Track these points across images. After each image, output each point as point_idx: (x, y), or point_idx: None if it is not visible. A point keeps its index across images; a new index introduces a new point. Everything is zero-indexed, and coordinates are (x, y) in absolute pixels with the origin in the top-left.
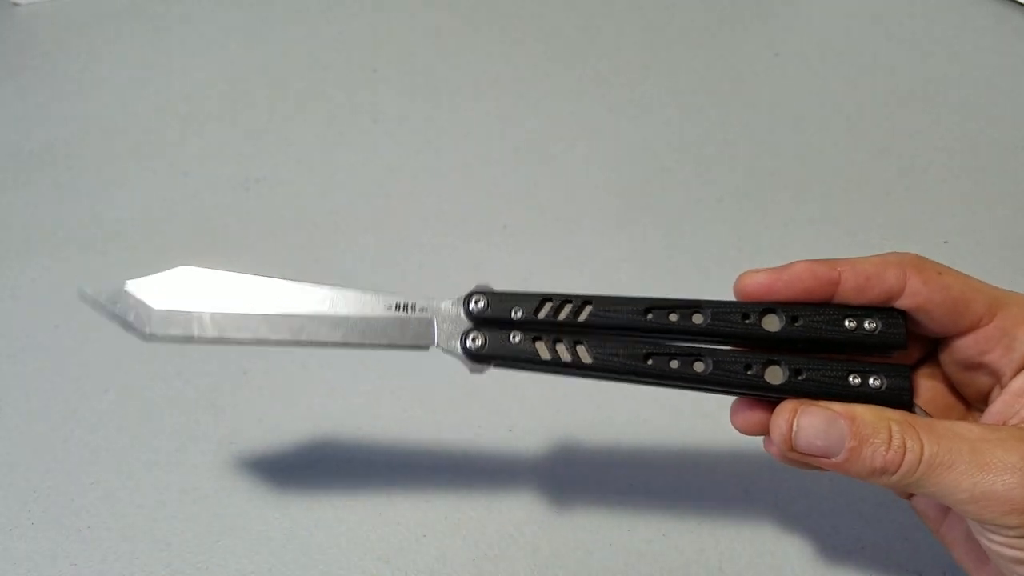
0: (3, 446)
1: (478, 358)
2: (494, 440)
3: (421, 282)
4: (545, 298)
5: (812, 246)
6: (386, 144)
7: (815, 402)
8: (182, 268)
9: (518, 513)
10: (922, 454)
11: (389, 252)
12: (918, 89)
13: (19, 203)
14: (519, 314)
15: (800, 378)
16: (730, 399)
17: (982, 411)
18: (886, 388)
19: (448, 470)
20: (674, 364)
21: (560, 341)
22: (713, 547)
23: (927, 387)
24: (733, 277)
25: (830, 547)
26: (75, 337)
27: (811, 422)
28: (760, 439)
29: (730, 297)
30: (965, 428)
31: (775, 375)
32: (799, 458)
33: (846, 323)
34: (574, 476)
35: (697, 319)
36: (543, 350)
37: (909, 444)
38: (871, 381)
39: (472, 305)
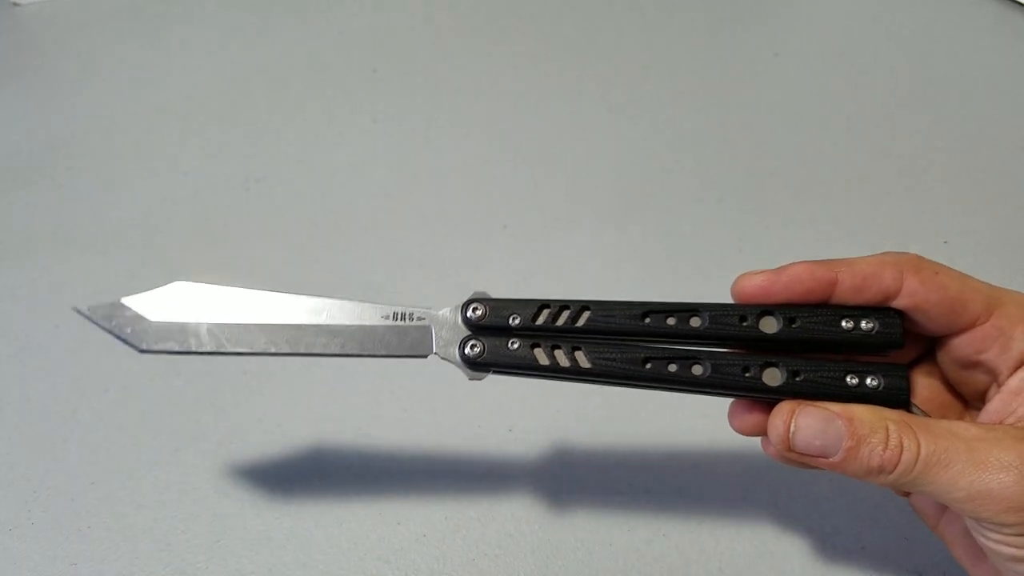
0: (3, 446)
1: (476, 365)
2: (494, 440)
3: (421, 282)
4: (543, 304)
5: (812, 246)
6: (386, 144)
7: (812, 402)
8: (177, 283)
9: (518, 513)
10: (919, 453)
11: (389, 252)
12: (918, 89)
13: (19, 203)
14: (517, 321)
15: (798, 379)
16: (729, 400)
17: (980, 410)
18: (883, 388)
19: (448, 470)
20: (672, 367)
21: (558, 347)
22: (713, 547)
23: (924, 386)
24: (733, 278)
25: (830, 547)
26: (75, 337)
27: (808, 422)
28: (759, 439)
29: (729, 299)
30: (962, 427)
31: (773, 377)
32: (797, 458)
33: (843, 323)
34: (574, 476)
35: (695, 322)
36: (541, 356)
37: (906, 443)
38: (868, 381)
39: (470, 313)
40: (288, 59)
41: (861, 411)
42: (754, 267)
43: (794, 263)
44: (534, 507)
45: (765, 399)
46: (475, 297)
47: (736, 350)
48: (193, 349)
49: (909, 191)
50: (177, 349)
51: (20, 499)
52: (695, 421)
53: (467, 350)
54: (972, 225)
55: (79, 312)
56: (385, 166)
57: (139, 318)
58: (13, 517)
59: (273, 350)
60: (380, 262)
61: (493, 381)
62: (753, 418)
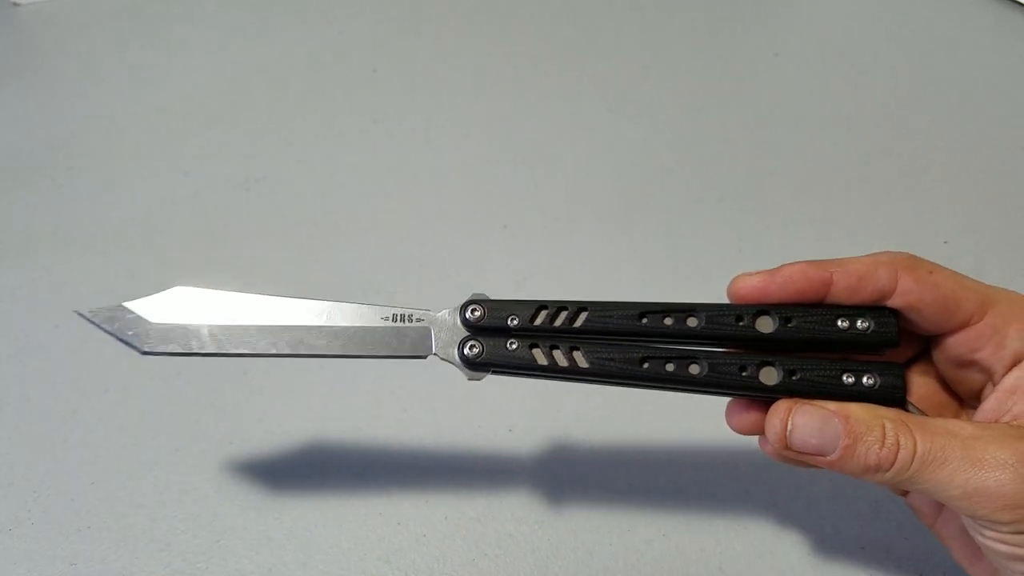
0: (3, 446)
1: (475, 366)
2: (494, 440)
3: (421, 282)
4: (541, 305)
5: (812, 246)
6: (386, 144)
7: (809, 401)
8: (178, 288)
9: (518, 513)
10: (915, 451)
11: (389, 252)
12: (918, 89)
13: (19, 203)
14: (515, 322)
15: (794, 378)
16: (727, 399)
17: (975, 408)
18: (879, 386)
19: (448, 470)
20: (670, 367)
21: (557, 347)
22: (713, 547)
23: (920, 384)
24: (732, 278)
25: (830, 547)
26: (75, 337)
27: (805, 421)
28: (757, 438)
29: (726, 299)
30: (957, 425)
31: (769, 376)
32: (794, 456)
33: (839, 323)
34: (574, 476)
35: (691, 322)
36: (540, 356)
37: (902, 441)
38: (864, 380)
39: (468, 314)
40: (288, 59)
41: (857, 409)
42: (754, 267)
43: (789, 264)
44: (534, 507)
45: (762, 398)
46: (474, 298)
47: (733, 349)
48: (195, 351)
49: (909, 191)
50: (179, 351)
51: (20, 499)
52: (695, 421)
53: (466, 351)
54: (972, 225)
55: (81, 315)
56: (385, 166)
57: (141, 320)
58: (13, 517)
59: (274, 351)
60: (380, 262)
61: (492, 381)
62: (750, 417)
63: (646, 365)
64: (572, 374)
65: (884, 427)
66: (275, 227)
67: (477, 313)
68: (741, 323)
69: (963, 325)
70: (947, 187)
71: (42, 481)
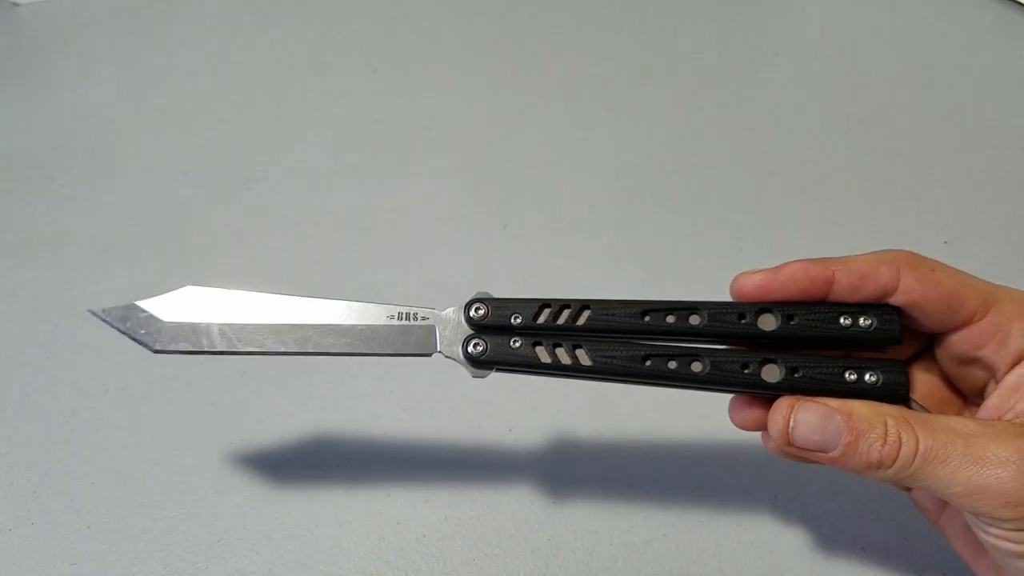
0: (3, 446)
1: (480, 363)
2: (494, 440)
3: (421, 282)
4: (544, 304)
5: (812, 246)
6: (386, 144)
7: (812, 398)
8: (188, 288)
9: (518, 513)
10: (917, 448)
11: (389, 252)
12: (918, 89)
13: (19, 203)
14: (519, 320)
15: (797, 375)
16: (729, 399)
17: (978, 406)
18: (882, 384)
19: (448, 470)
20: (672, 365)
21: (560, 345)
22: (713, 547)
23: (923, 381)
24: (733, 277)
25: (829, 547)
26: (75, 337)
27: (808, 418)
28: (759, 437)
29: (728, 298)
30: (960, 423)
31: (772, 373)
32: (796, 453)
33: (841, 321)
34: (573, 476)
35: (694, 320)
36: (543, 354)
37: (904, 438)
38: (867, 377)
39: (472, 312)
40: (288, 59)
41: (860, 406)
42: (753, 267)
43: (791, 262)
44: (534, 507)
45: (764, 395)
46: (477, 297)
47: (735, 347)
48: (205, 349)
49: (909, 191)
50: (190, 349)
51: (20, 499)
52: (695, 421)
53: (470, 349)
54: (972, 225)
55: (94, 314)
56: (385, 166)
57: (152, 319)
58: (13, 517)
59: (282, 349)
60: (380, 262)
61: (493, 381)
62: (753, 414)
63: (649, 363)
64: (575, 372)
65: (886, 424)
66: (275, 227)
67: (481, 311)
68: (743, 321)
69: (966, 323)
70: (947, 187)
71: (42, 481)
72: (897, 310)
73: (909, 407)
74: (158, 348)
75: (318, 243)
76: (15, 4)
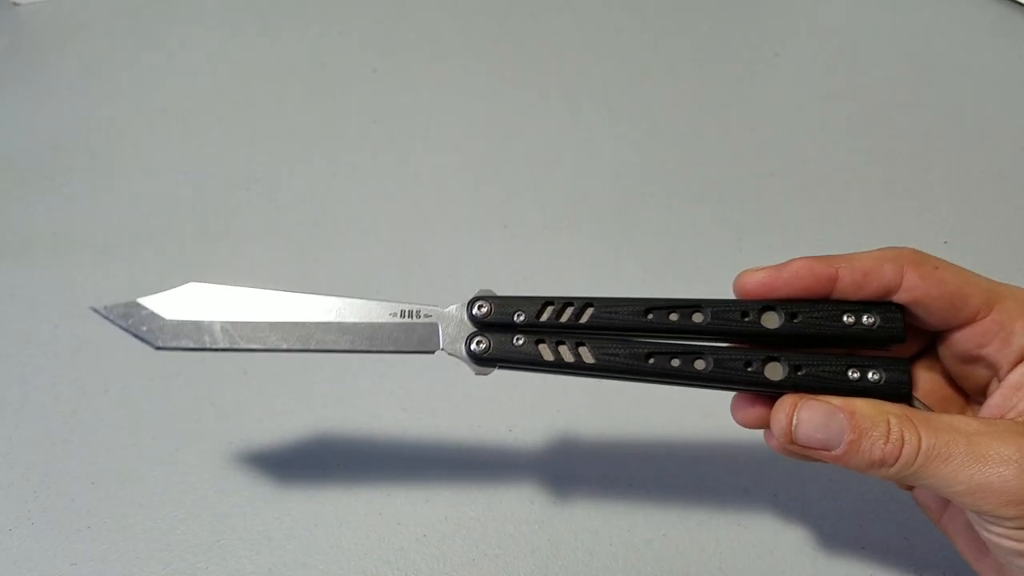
0: (3, 446)
1: (483, 361)
2: (494, 440)
3: (421, 282)
4: (547, 301)
5: (812, 246)
6: (386, 144)
7: (815, 396)
8: (191, 284)
9: (518, 513)
10: (920, 446)
11: (389, 252)
12: (918, 89)
13: (19, 203)
14: (522, 318)
15: (800, 374)
16: (730, 398)
17: (981, 404)
18: (885, 382)
19: (448, 470)
20: (675, 362)
21: (563, 343)
22: (713, 547)
23: (926, 380)
24: (733, 277)
25: (830, 547)
26: (75, 337)
27: (811, 416)
28: (760, 437)
29: (729, 296)
30: (962, 421)
31: (775, 371)
32: (799, 451)
33: (844, 318)
34: (573, 476)
35: (697, 318)
36: (546, 352)
37: (907, 437)
38: (870, 375)
39: (476, 310)
40: (288, 59)
41: (863, 405)
42: (754, 267)
43: (795, 259)
44: (534, 507)
45: (767, 393)
46: (480, 295)
47: (738, 345)
48: (208, 346)
49: (909, 191)
50: (192, 346)
51: (20, 499)
52: (695, 420)
53: (473, 346)
54: (972, 225)
55: (96, 311)
56: (385, 166)
57: (154, 316)
58: (13, 517)
59: (285, 346)
60: (379, 263)
61: (493, 381)
62: (756, 411)
63: (652, 360)
64: (578, 369)
65: (889, 422)
66: (275, 227)
67: (484, 309)
68: (747, 319)
69: (969, 321)
70: (947, 187)
71: (42, 481)
72: (900, 308)
73: (912, 405)
74: (160, 345)
75: (317, 243)
76: (15, 4)
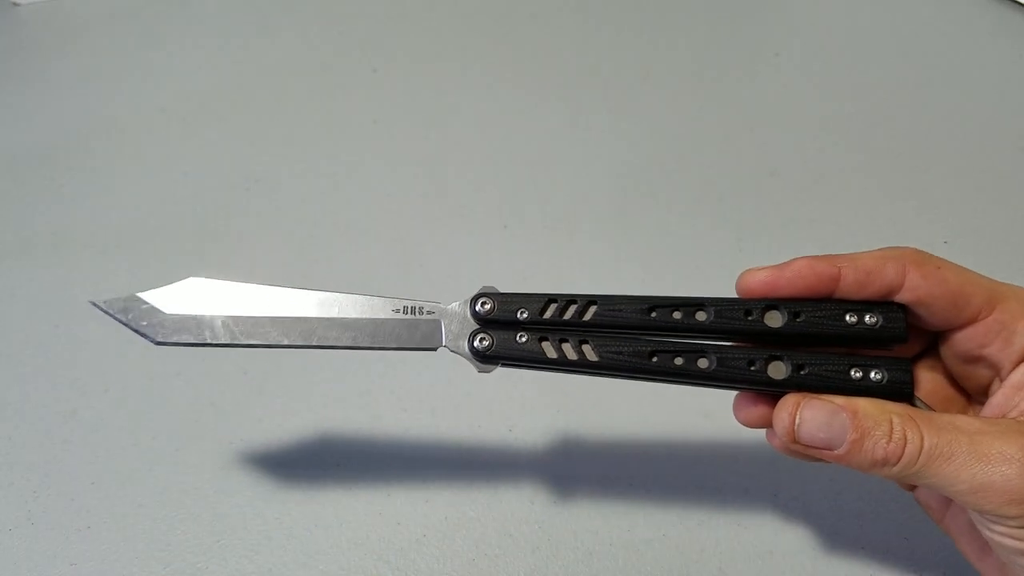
0: (3, 446)
1: (485, 358)
2: (494, 440)
3: (421, 282)
4: (550, 299)
5: (812, 246)
6: (386, 144)
7: (817, 395)
8: (191, 279)
9: (518, 513)
10: (922, 446)
11: (389, 252)
12: (918, 89)
13: (19, 203)
14: (525, 315)
15: (802, 373)
16: (731, 398)
17: (983, 403)
18: (887, 381)
19: (448, 470)
20: (678, 361)
21: (566, 340)
22: (713, 547)
23: (928, 379)
24: (733, 277)
25: (829, 547)
26: (75, 337)
27: (813, 415)
28: (760, 437)
29: (732, 295)
30: (965, 421)
31: (778, 370)
32: (802, 450)
33: (847, 318)
34: (573, 476)
35: (700, 316)
36: (549, 349)
37: (910, 436)
38: (872, 375)
39: (479, 307)
40: (288, 59)
41: (865, 404)
42: (753, 267)
43: (797, 258)
44: (534, 507)
45: (770, 392)
46: (484, 291)
47: (741, 344)
48: (208, 341)
49: (909, 191)
50: (192, 341)
51: (20, 499)
52: (695, 420)
53: (476, 343)
54: (972, 225)
55: (95, 305)
56: (385, 166)
57: (155, 311)
58: (13, 517)
59: (286, 342)
60: (379, 263)
61: (494, 380)
62: (758, 411)
63: (655, 359)
64: (581, 367)
65: (891, 422)
66: (275, 227)
67: (487, 306)
68: (750, 317)
69: (971, 320)
70: (947, 187)
71: (42, 481)
72: (902, 307)
73: (914, 405)
74: (160, 340)
75: (317, 244)
76: (15, 4)
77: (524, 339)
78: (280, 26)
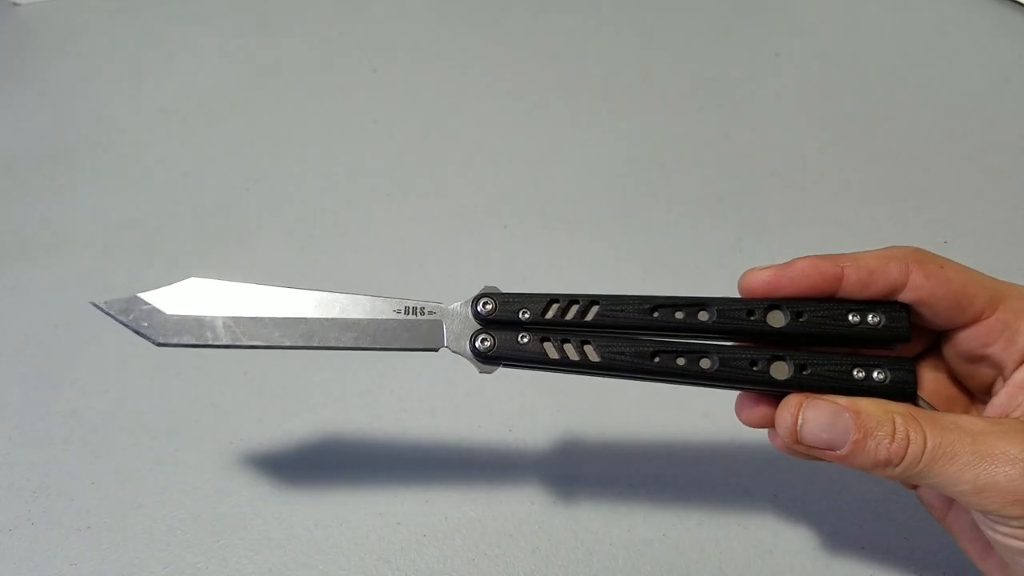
0: (3, 446)
1: (487, 359)
2: (494, 440)
3: (421, 282)
4: (552, 299)
5: (812, 246)
6: (386, 144)
7: (820, 396)
8: (192, 279)
9: (518, 513)
10: (925, 446)
11: (389, 252)
12: (918, 89)
13: (19, 203)
14: (527, 315)
15: (805, 373)
16: (731, 398)
17: (986, 403)
18: (890, 381)
19: (448, 470)
20: (680, 361)
21: (568, 341)
22: (713, 547)
23: (930, 379)
24: (733, 277)
25: (830, 547)
26: (75, 337)
27: (816, 415)
28: (760, 437)
29: (732, 295)
30: (967, 421)
31: (780, 370)
32: (804, 451)
33: (850, 318)
34: (573, 476)
35: (703, 316)
36: (551, 350)
37: (912, 436)
38: (875, 374)
39: (480, 307)
40: (288, 59)
41: (868, 404)
42: (753, 267)
43: (800, 258)
44: (534, 507)
45: (772, 392)
46: (485, 292)
47: (744, 344)
48: (209, 342)
49: (909, 191)
50: (193, 342)
51: (20, 499)
52: (695, 421)
53: (478, 344)
54: (972, 225)
55: (96, 306)
56: (385, 166)
57: (155, 312)
58: (13, 517)
59: (287, 343)
60: (379, 263)
61: (494, 380)
62: (760, 411)
63: (657, 359)
64: (583, 368)
65: (894, 422)
66: (275, 227)
67: (489, 306)
68: (753, 317)
69: (974, 320)
70: (947, 187)
71: (42, 481)
72: (905, 307)
73: (916, 405)
74: (161, 341)
75: (317, 244)
76: (15, 4)
77: (526, 340)
78: (280, 26)
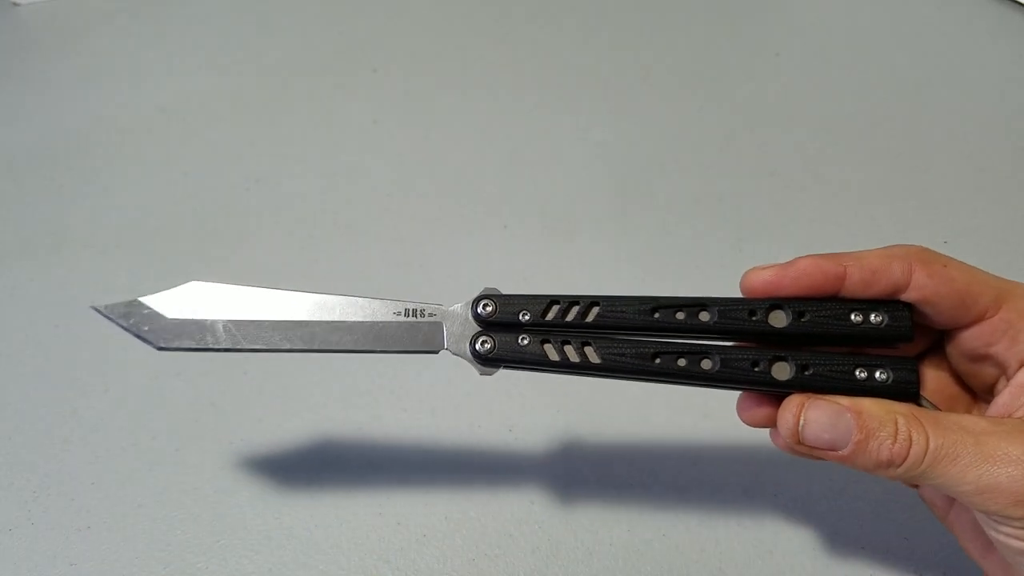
0: (3, 446)
1: (487, 361)
2: (494, 440)
3: (421, 282)
4: (553, 300)
5: (812, 246)
6: (386, 144)
7: (822, 396)
8: (192, 283)
9: (518, 513)
10: (927, 446)
11: (389, 252)
12: (918, 89)
13: (19, 203)
14: (527, 317)
15: (807, 373)
16: (731, 398)
17: (988, 402)
18: (892, 381)
19: (448, 470)
20: (682, 362)
21: (568, 342)
22: (713, 547)
23: (933, 378)
24: (733, 277)
25: (830, 547)
26: (75, 337)
27: (818, 416)
28: (760, 437)
29: (733, 295)
30: (970, 421)
31: (782, 371)
32: (806, 451)
33: (852, 317)
34: (574, 476)
35: (704, 317)
36: (551, 352)
37: (915, 437)
38: (877, 374)
39: (480, 309)
40: (288, 59)
41: (870, 404)
42: (753, 267)
43: (802, 257)
44: (534, 507)
45: (774, 393)
46: (485, 293)
47: (745, 344)
48: (210, 346)
49: (909, 191)
50: (194, 346)
51: (20, 499)
52: (695, 421)
53: (478, 346)
54: (972, 225)
55: (97, 311)
56: (385, 166)
57: (156, 316)
58: (13, 517)
59: (288, 346)
60: (379, 263)
61: (494, 380)
62: (762, 411)
63: (658, 360)
64: (584, 369)
65: (896, 422)
66: (275, 227)
67: (489, 308)
68: (754, 318)
69: (977, 319)
70: (947, 187)
71: (42, 481)
72: (908, 307)
73: (919, 405)
74: (161, 345)
75: (317, 243)
76: (15, 4)
77: (526, 341)
78: (280, 26)
